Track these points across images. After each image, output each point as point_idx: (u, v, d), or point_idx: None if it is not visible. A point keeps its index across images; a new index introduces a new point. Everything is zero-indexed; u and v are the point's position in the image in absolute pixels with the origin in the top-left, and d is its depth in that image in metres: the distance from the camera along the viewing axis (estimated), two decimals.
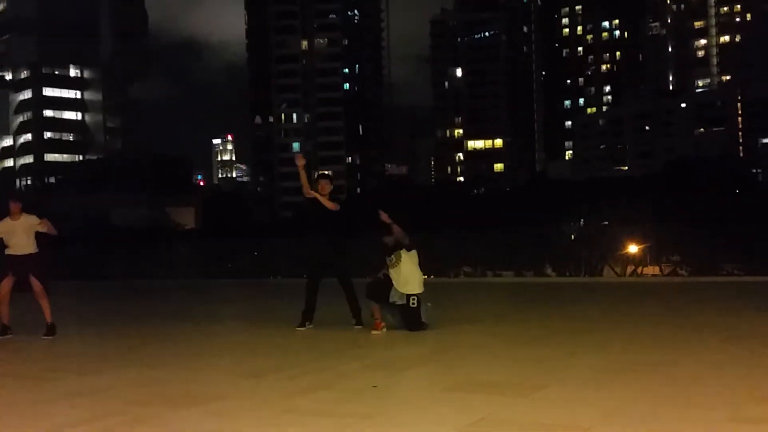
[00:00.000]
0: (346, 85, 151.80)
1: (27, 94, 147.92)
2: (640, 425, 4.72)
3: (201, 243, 36.49)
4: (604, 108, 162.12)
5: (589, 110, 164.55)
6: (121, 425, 5.11)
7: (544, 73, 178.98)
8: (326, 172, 11.40)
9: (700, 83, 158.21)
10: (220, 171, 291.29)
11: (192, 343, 9.67)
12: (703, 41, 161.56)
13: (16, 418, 5.45)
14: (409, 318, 9.52)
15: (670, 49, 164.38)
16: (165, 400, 5.91)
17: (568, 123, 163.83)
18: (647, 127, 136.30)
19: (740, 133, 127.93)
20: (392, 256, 9.59)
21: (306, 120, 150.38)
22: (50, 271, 10.61)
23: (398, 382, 6.44)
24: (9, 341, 10.08)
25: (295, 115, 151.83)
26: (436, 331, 9.49)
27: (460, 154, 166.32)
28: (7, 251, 10.33)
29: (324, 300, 10.43)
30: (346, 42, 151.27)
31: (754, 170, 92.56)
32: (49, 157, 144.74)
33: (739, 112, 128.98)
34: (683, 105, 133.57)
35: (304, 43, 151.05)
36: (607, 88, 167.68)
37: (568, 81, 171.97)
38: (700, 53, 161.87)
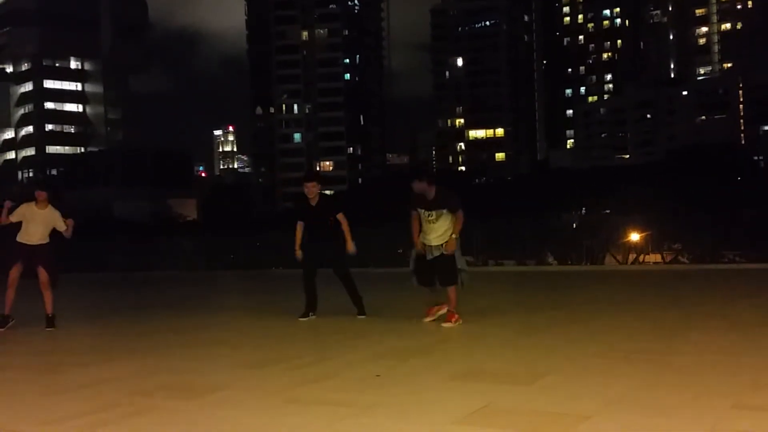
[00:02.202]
0: (347, 76, 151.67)
1: (28, 87, 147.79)
2: (643, 413, 4.72)
3: (203, 234, 36.54)
4: (606, 96, 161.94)
5: (590, 99, 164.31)
6: (124, 416, 5.13)
7: (545, 61, 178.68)
8: (313, 171, 11.16)
9: (702, 71, 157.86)
10: (221, 162, 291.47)
11: (194, 333, 9.68)
12: (704, 29, 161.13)
13: (20, 411, 5.46)
14: (442, 271, 9.07)
15: (671, 37, 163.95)
16: (168, 390, 5.92)
17: (570, 112, 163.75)
18: (648, 116, 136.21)
19: (742, 121, 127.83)
20: (432, 213, 9.01)
21: (307, 111, 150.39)
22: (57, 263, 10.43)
23: (401, 372, 6.45)
24: (11, 334, 9.95)
25: (295, 106, 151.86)
26: (439, 321, 9.50)
27: (461, 144, 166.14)
28: (20, 238, 10.00)
29: (325, 291, 10.43)
30: (347, 32, 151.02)
31: (756, 158, 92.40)
32: (51, 149, 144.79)
33: (741, 99, 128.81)
34: (684, 93, 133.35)
35: (305, 34, 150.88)
36: (609, 77, 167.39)
37: (569, 69, 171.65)
38: (702, 41, 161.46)
